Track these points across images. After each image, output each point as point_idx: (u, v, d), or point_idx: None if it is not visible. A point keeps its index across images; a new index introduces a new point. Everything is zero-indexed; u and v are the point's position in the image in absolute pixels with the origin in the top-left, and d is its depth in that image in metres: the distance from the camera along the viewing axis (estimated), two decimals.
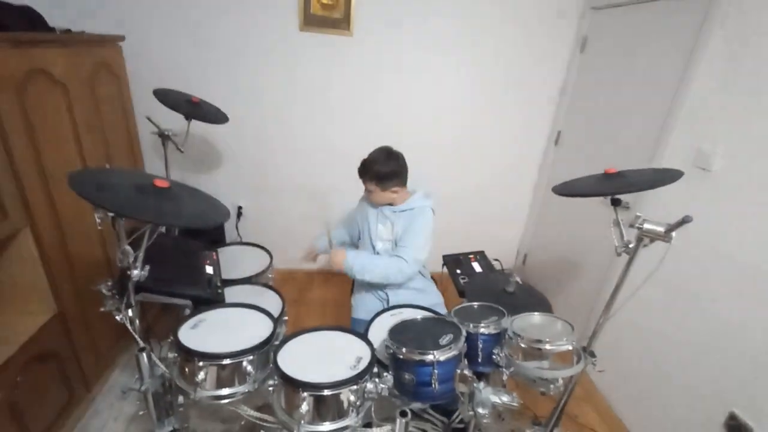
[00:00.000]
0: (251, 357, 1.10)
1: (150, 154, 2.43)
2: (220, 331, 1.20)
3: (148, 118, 1.59)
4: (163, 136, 1.68)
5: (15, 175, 1.39)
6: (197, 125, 2.43)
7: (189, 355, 1.07)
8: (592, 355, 1.18)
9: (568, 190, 1.19)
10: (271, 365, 1.12)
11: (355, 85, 2.53)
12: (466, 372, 1.14)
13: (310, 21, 2.36)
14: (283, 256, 3.06)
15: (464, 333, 1.18)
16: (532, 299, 1.50)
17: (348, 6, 2.33)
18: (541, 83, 2.67)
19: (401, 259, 1.59)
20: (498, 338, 1.24)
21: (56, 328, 1.64)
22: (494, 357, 1.22)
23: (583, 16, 2.51)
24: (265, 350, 1.16)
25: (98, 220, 1.05)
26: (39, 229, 1.51)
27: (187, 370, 1.10)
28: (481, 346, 1.22)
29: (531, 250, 3.14)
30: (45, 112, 1.50)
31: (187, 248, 1.63)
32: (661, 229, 0.96)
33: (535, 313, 1.23)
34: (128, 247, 1.03)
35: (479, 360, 1.23)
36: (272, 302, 1.54)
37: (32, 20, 1.46)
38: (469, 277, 1.92)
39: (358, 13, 2.35)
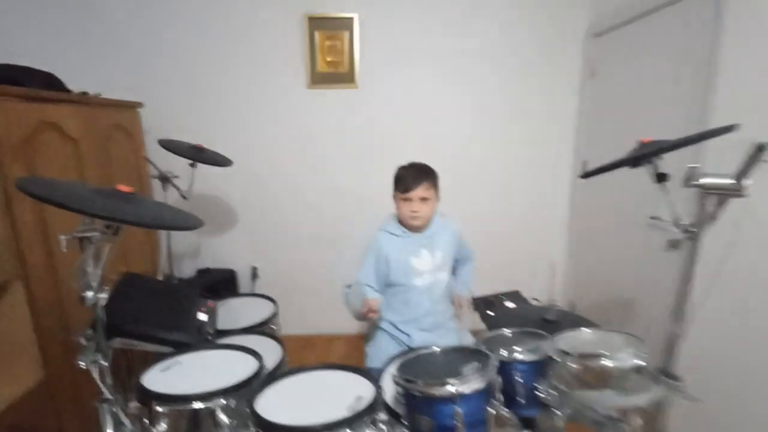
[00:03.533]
0: (224, 402, 0.88)
1: None
2: (194, 374, 1.00)
3: (147, 159, 1.59)
4: (164, 179, 1.67)
5: (12, 223, 1.36)
6: (205, 188, 2.54)
7: (147, 399, 0.86)
8: (674, 378, 0.86)
9: (597, 170, 1.00)
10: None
11: (364, 134, 2.54)
12: (503, 412, 0.85)
13: (317, 79, 2.46)
14: (301, 319, 2.88)
15: (494, 361, 0.92)
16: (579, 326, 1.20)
17: (351, 61, 2.44)
18: (555, 114, 2.58)
19: (473, 261, 1.68)
20: (540, 368, 0.95)
21: (39, 397, 1.47)
22: (539, 394, 0.92)
23: (588, 44, 2.49)
24: (246, 393, 0.93)
25: (63, 242, 0.95)
26: (32, 284, 1.44)
27: (146, 420, 0.88)
28: (519, 379, 0.93)
29: (573, 290, 2.77)
30: (52, 163, 1.53)
31: (181, 294, 1.50)
32: (727, 181, 0.73)
33: (587, 329, 0.95)
34: (89, 269, 0.90)
35: (520, 399, 0.93)
36: (272, 352, 1.33)
37: (50, 83, 1.58)
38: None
39: (362, 66, 2.44)
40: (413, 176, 1.43)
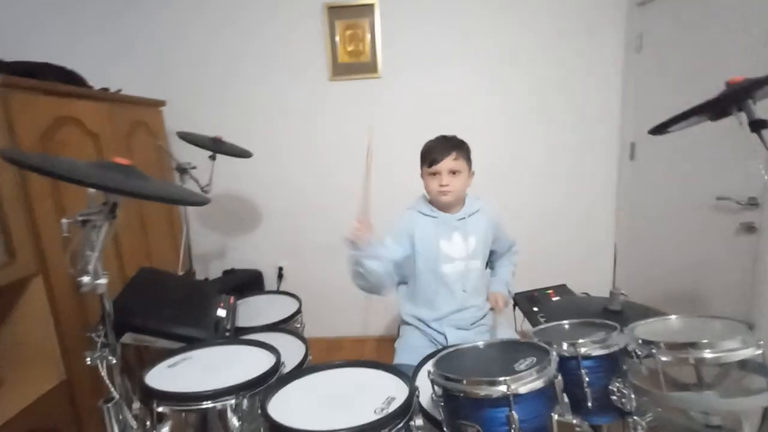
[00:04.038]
0: (234, 402, 0.76)
1: (190, 209, 2.41)
2: (205, 371, 0.89)
3: (161, 146, 1.53)
4: (182, 170, 1.60)
5: (30, 216, 1.32)
6: (228, 187, 2.50)
7: (148, 398, 0.76)
8: None
9: (669, 121, 0.82)
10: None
11: (388, 124, 2.41)
12: (569, 419, 0.68)
13: (339, 70, 2.37)
14: (330, 321, 2.77)
15: (555, 355, 0.75)
16: (651, 317, 1.00)
17: (374, 49, 2.33)
18: (596, 95, 2.36)
19: (514, 253, 1.51)
20: (612, 365, 0.77)
21: (59, 399, 1.41)
22: (613, 396, 0.74)
23: (632, 14, 2.26)
24: (261, 392, 0.81)
25: (65, 226, 0.88)
26: (52, 280, 1.39)
27: (148, 423, 0.77)
28: (586, 377, 0.76)
29: (624, 281, 2.50)
30: (72, 157, 1.49)
31: (200, 289, 1.42)
32: None
33: (673, 316, 0.77)
34: (90, 253, 0.82)
35: (587, 402, 0.76)
36: (294, 350, 1.21)
37: (70, 79, 1.56)
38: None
39: (385, 54, 2.33)
40: (440, 147, 1.30)
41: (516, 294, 1.67)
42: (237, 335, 1.30)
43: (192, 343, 1.09)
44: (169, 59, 2.35)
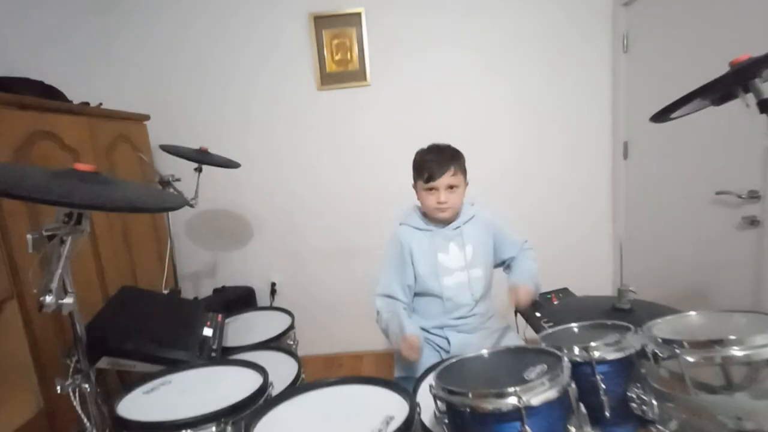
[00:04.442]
0: (215, 428, 0.68)
1: (178, 226, 2.34)
2: (184, 396, 0.81)
3: (141, 157, 1.47)
4: (164, 183, 1.54)
5: (3, 235, 1.25)
6: (217, 202, 2.43)
7: (120, 429, 0.68)
8: None
9: (669, 106, 0.77)
10: None
11: (378, 133, 2.38)
12: (590, 431, 0.61)
13: (327, 80, 2.34)
14: (327, 337, 2.67)
15: (567, 361, 0.68)
16: (663, 314, 0.94)
17: (362, 57, 2.31)
18: (586, 95, 2.35)
19: (528, 249, 1.40)
20: (629, 369, 0.71)
21: (38, 430, 1.32)
22: (633, 404, 0.68)
23: (618, 14, 2.27)
24: (248, 417, 0.73)
25: (29, 242, 0.81)
26: (28, 303, 1.31)
27: None
28: (602, 384, 0.69)
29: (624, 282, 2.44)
30: None
31: (185, 309, 1.34)
32: None
33: (692, 312, 0.71)
34: (55, 270, 0.75)
35: (605, 412, 0.69)
36: (286, 369, 1.14)
37: (50, 93, 1.50)
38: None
39: (373, 62, 2.31)
40: (437, 161, 1.23)
41: None
42: (225, 355, 1.23)
43: (174, 366, 1.02)
44: (153, 73, 2.31)
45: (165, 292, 1.46)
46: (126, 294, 1.20)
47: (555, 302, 1.64)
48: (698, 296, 1.87)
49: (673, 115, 0.82)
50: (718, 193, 1.68)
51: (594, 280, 2.49)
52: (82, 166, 0.72)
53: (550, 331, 0.86)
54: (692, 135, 1.82)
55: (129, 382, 0.99)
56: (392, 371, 1.33)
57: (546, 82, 2.32)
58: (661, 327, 0.69)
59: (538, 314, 1.56)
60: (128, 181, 0.85)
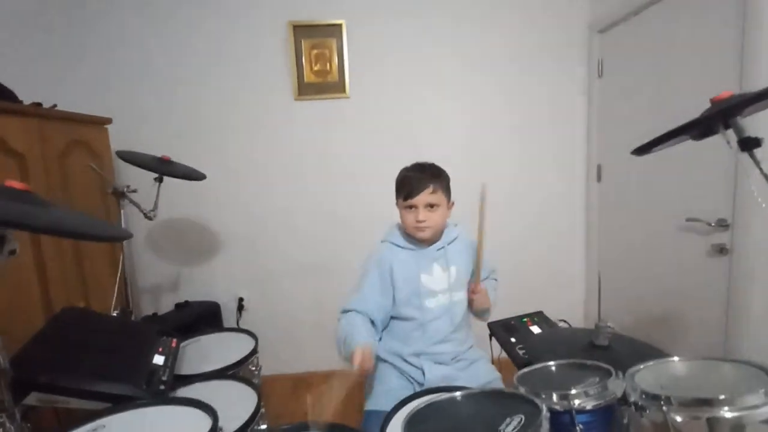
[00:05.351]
0: None
1: (138, 238, 2.20)
2: None
3: (92, 167, 1.35)
4: (119, 194, 1.41)
5: None
6: (180, 212, 2.28)
7: None
8: None
9: (653, 141, 0.75)
10: None
11: (356, 146, 2.33)
12: None
13: (305, 90, 2.28)
14: (295, 355, 2.55)
15: (545, 411, 0.63)
16: (643, 353, 0.91)
17: (342, 68, 2.26)
18: (562, 118, 2.39)
19: (493, 279, 1.42)
20: (610, 417, 0.67)
21: None
22: None
23: (592, 41, 2.32)
24: None
25: None
26: None
27: None
28: None
29: (596, 307, 2.46)
30: None
31: (135, 333, 1.21)
32: None
33: (675, 358, 0.67)
34: None
35: None
36: (243, 402, 1.05)
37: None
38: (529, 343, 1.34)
39: (352, 73, 2.26)
40: (417, 178, 1.18)
41: (491, 323, 1.57)
42: (177, 385, 1.12)
43: (116, 403, 0.91)
44: (118, 76, 2.18)
45: (114, 313, 1.32)
46: (66, 317, 1.07)
47: (530, 327, 1.61)
48: (670, 321, 1.89)
49: (654, 150, 0.80)
50: (688, 220, 1.71)
51: (567, 301, 2.50)
52: (14, 184, 0.62)
53: (526, 370, 0.81)
54: (664, 160, 1.84)
55: (65, 424, 0.87)
56: (363, 392, 1.25)
57: (521, 105, 2.35)
58: (644, 375, 0.65)
59: (513, 339, 1.52)
60: (65, 207, 0.75)
